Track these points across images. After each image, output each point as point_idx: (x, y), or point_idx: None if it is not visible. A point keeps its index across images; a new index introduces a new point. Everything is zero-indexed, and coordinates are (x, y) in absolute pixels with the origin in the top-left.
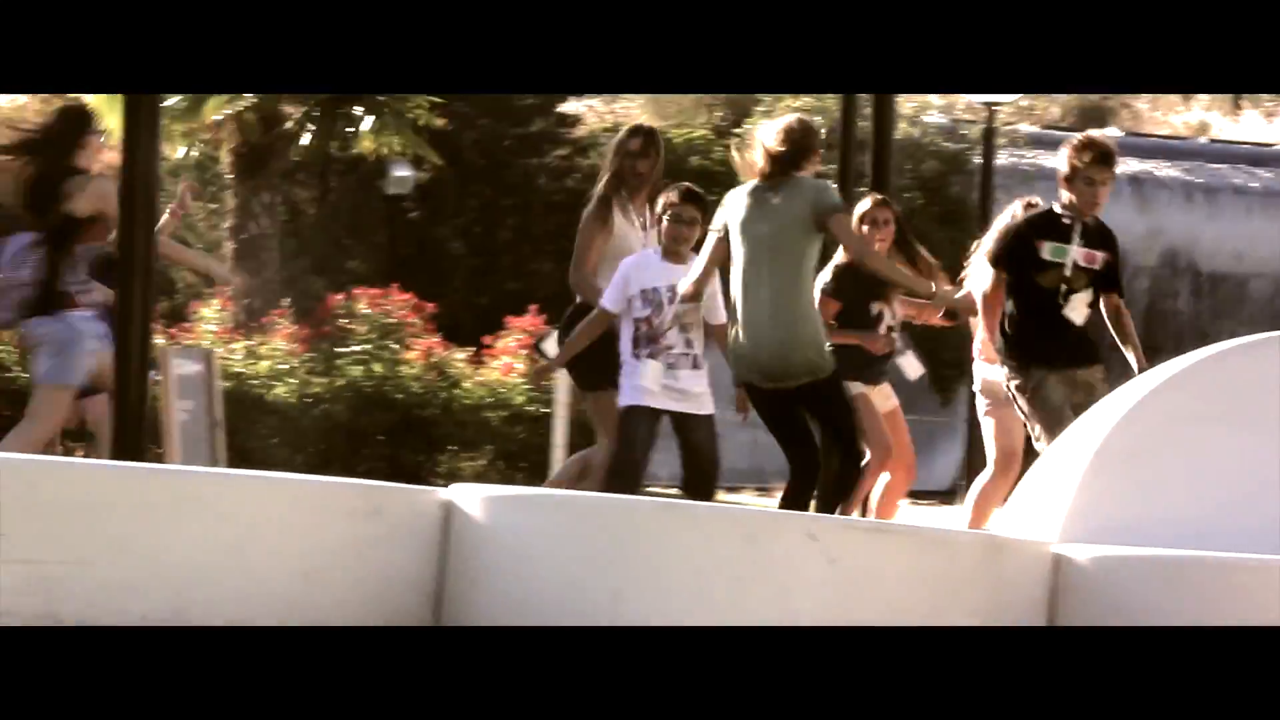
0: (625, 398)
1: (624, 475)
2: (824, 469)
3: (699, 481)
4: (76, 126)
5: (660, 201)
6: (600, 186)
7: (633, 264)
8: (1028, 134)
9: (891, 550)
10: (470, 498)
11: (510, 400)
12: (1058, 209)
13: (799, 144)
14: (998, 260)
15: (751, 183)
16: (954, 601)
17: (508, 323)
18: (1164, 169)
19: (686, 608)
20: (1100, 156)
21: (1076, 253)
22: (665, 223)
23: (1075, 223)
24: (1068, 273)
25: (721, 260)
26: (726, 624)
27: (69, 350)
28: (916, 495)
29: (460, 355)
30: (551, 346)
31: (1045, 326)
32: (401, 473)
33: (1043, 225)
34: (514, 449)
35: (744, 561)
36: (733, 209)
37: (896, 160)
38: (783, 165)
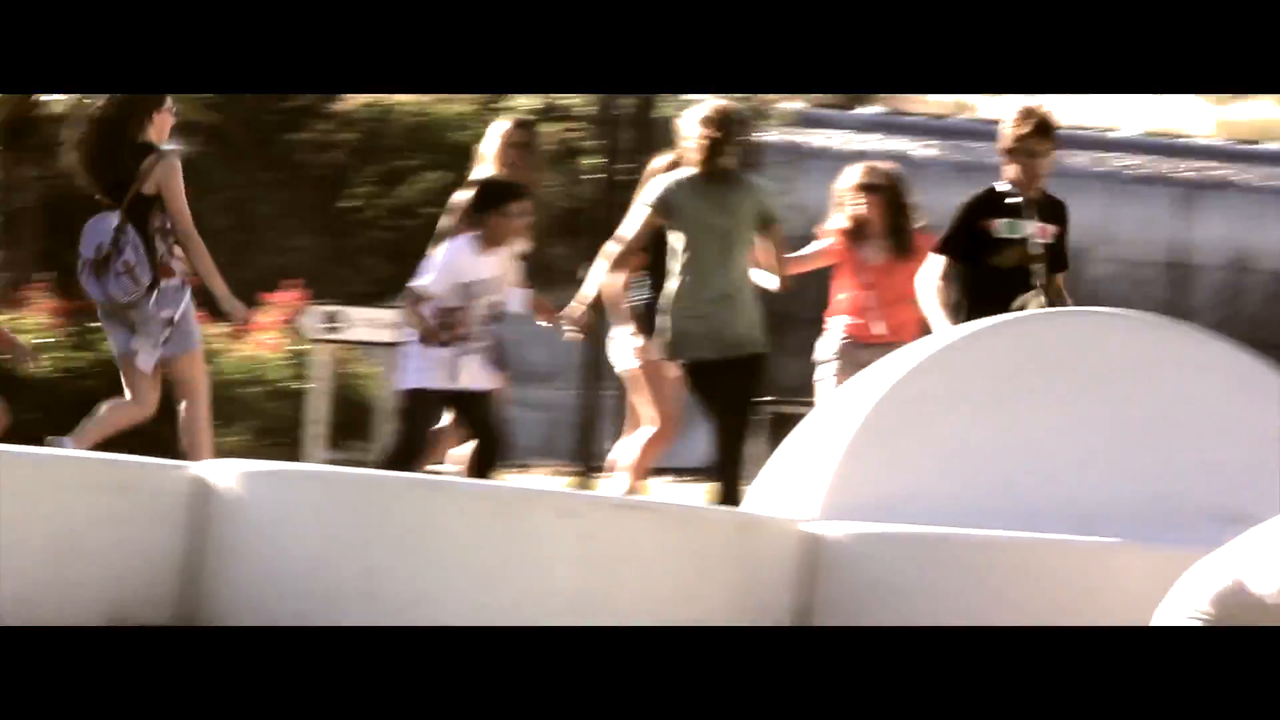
0: (409, 380)
1: (405, 459)
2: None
3: (488, 457)
4: (142, 102)
5: (478, 192)
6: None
7: (452, 254)
8: (797, 112)
9: (643, 527)
10: (225, 473)
11: (268, 376)
12: (1000, 186)
13: (732, 133)
14: (945, 247)
15: (688, 172)
16: (707, 578)
17: (267, 298)
18: (924, 147)
19: (440, 583)
20: (1040, 127)
21: (1031, 227)
22: (493, 215)
23: (1024, 197)
24: (1031, 250)
25: (649, 240)
26: (479, 600)
27: (182, 322)
28: (678, 472)
29: (218, 330)
30: (312, 323)
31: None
32: (161, 448)
33: (988, 204)
34: (272, 424)
35: (497, 538)
36: (679, 198)
37: (663, 136)
38: (721, 156)
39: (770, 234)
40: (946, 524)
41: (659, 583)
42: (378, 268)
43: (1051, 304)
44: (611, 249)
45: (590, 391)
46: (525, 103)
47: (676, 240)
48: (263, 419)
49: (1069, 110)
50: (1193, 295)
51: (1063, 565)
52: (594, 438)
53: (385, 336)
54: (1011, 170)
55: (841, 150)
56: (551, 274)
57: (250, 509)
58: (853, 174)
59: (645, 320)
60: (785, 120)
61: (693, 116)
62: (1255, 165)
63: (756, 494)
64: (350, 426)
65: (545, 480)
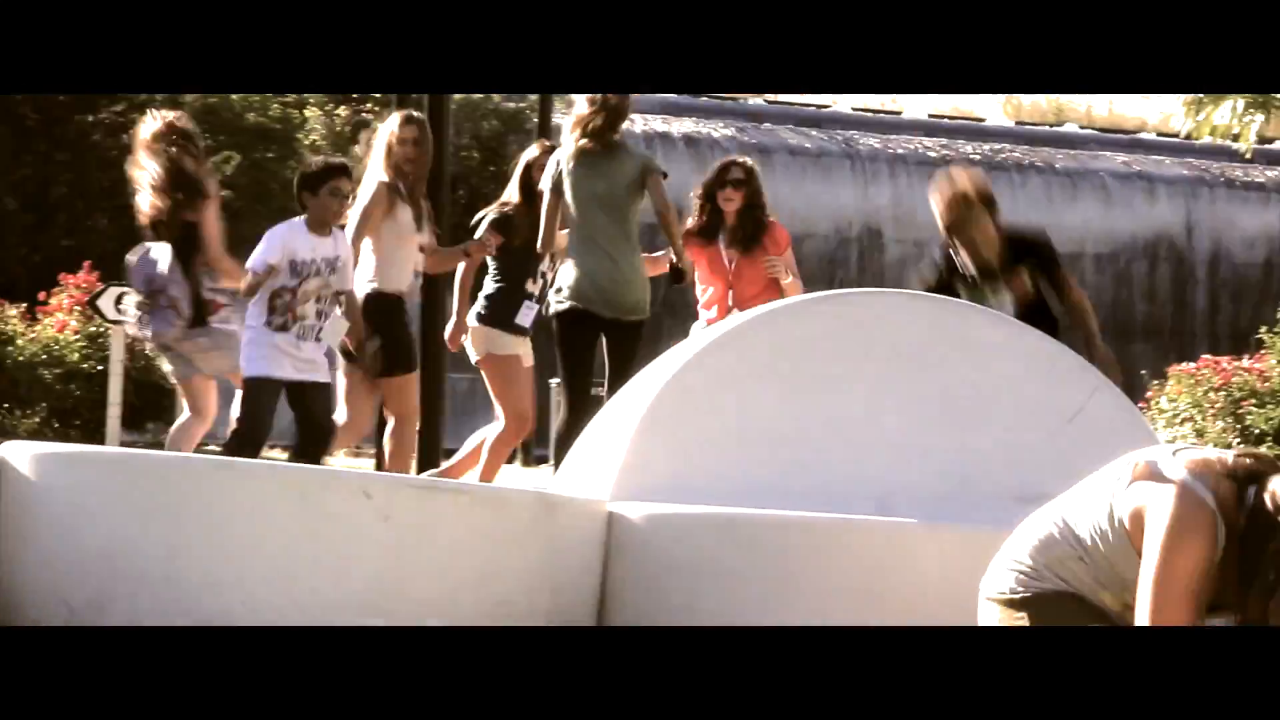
0: (252, 368)
1: (248, 446)
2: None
3: (313, 448)
4: (185, 136)
5: (307, 173)
6: (382, 174)
7: (284, 232)
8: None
9: (444, 508)
10: (21, 455)
11: (65, 358)
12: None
13: (615, 110)
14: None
15: (575, 147)
16: (508, 559)
17: (62, 280)
18: (719, 129)
19: (240, 566)
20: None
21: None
22: (320, 195)
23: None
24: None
25: (558, 216)
26: (280, 583)
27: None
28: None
29: (13, 312)
30: (107, 304)
31: None
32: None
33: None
34: (69, 407)
35: (298, 519)
36: (566, 171)
37: (455, 119)
38: (607, 132)
39: (653, 186)
40: (743, 504)
41: (460, 564)
42: None
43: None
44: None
45: None
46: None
47: (572, 210)
48: (60, 401)
49: (862, 95)
50: None
51: (860, 545)
52: None
53: None
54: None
55: (643, 131)
56: None
57: (45, 492)
58: (713, 169)
59: (500, 310)
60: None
61: (579, 101)
62: (1048, 148)
63: (563, 475)
64: (148, 409)
65: (347, 462)
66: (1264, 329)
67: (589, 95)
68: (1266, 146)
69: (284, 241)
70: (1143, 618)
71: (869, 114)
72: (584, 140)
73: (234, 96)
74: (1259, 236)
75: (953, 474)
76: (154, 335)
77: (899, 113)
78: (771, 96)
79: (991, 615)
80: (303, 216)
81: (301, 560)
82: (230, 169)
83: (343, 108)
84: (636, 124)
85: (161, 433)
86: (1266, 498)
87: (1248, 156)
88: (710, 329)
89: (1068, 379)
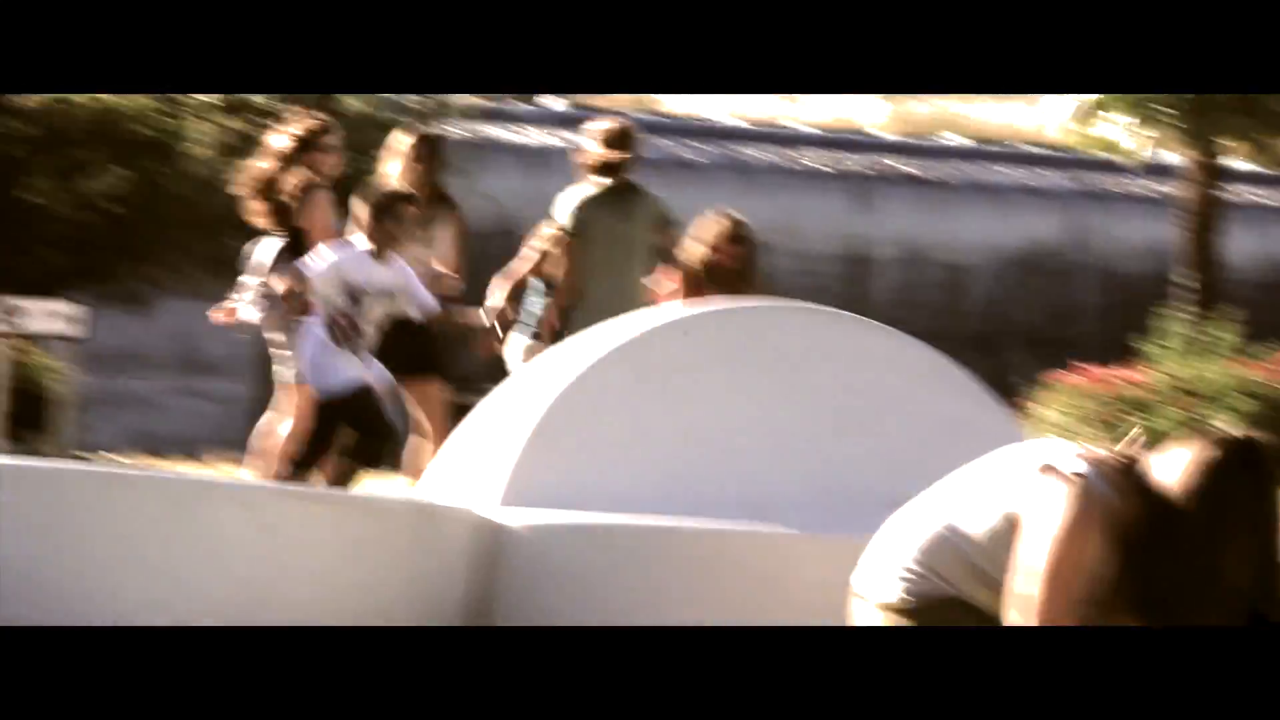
0: (348, 385)
1: (389, 444)
2: None
3: (378, 449)
4: (309, 137)
5: (375, 202)
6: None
7: (342, 256)
8: (482, 107)
9: (323, 517)
10: None
11: None
12: None
13: (633, 149)
14: None
15: (591, 186)
16: (388, 569)
17: None
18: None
19: (117, 575)
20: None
21: None
22: (384, 221)
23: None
24: None
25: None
26: (157, 591)
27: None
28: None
29: None
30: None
31: None
32: None
33: None
34: None
35: (177, 528)
36: (586, 210)
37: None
38: (622, 170)
39: (667, 237)
40: (627, 514)
41: (338, 573)
42: (56, 260)
43: None
44: (511, 265)
45: (267, 383)
46: (209, 100)
47: (591, 249)
48: None
49: (750, 104)
50: (870, 287)
51: (741, 555)
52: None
53: (63, 328)
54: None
55: (526, 144)
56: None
57: None
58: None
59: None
60: (466, 114)
61: (593, 133)
62: (931, 159)
63: (433, 481)
64: (27, 419)
65: (224, 471)
66: (1146, 339)
67: (606, 131)
68: (1151, 159)
69: (340, 263)
70: (1020, 605)
71: (753, 126)
72: (611, 180)
73: (119, 107)
74: (1143, 248)
75: (834, 483)
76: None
77: (787, 124)
78: (663, 110)
79: (873, 620)
80: (367, 241)
81: (179, 570)
82: (111, 181)
83: (234, 119)
84: (519, 135)
85: (40, 442)
86: (1158, 490)
87: (1133, 169)
88: (597, 338)
89: (948, 388)
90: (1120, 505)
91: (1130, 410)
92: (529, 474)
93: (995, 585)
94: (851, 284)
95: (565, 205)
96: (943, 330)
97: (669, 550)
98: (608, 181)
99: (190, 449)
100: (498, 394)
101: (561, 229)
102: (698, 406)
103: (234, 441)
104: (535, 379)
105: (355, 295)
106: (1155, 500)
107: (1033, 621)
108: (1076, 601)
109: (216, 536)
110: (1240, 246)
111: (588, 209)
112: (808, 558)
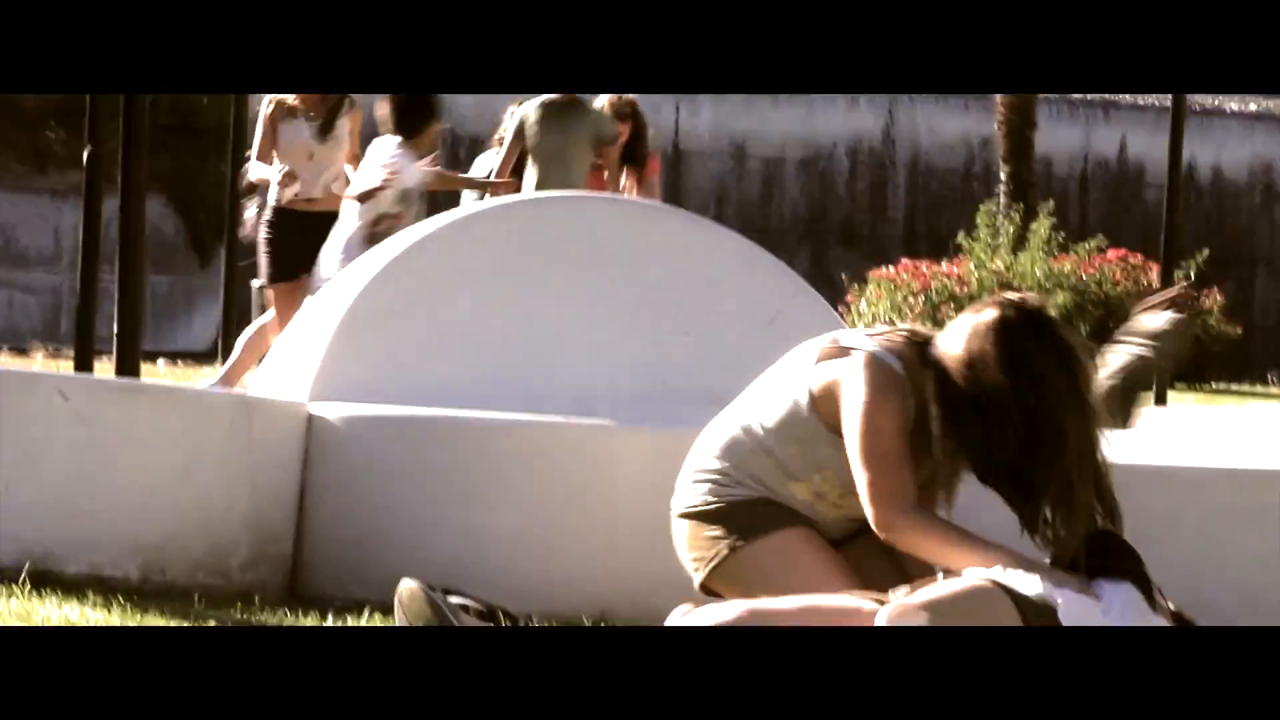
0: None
1: None
2: None
3: None
4: (337, 104)
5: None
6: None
7: (398, 159)
8: None
9: (143, 410)
10: None
11: None
12: None
13: None
14: None
15: (541, 100)
16: (207, 461)
17: None
18: None
19: None
20: None
21: None
22: (426, 133)
23: None
24: None
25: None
26: None
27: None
28: (177, 356)
29: None
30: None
31: None
32: None
33: None
34: None
35: None
36: (530, 120)
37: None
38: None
39: (603, 153)
40: (443, 407)
41: (158, 465)
42: None
43: None
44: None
45: (89, 275)
46: None
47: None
48: None
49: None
50: (690, 181)
51: (557, 447)
52: (93, 321)
53: None
54: None
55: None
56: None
57: None
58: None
59: None
60: None
61: None
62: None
63: (262, 376)
64: None
65: (45, 363)
66: (962, 234)
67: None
68: None
69: (401, 170)
70: (861, 484)
71: None
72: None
73: None
74: (958, 142)
75: (652, 376)
76: None
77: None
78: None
79: (683, 532)
80: (404, 146)
81: None
82: None
83: None
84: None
85: None
86: (940, 355)
87: None
88: (415, 230)
89: (767, 282)
90: (905, 373)
91: (945, 302)
92: (338, 367)
93: (798, 476)
94: (671, 176)
95: (509, 118)
96: (762, 224)
97: (483, 442)
98: (555, 96)
99: (13, 341)
100: (327, 288)
101: (499, 139)
102: (511, 298)
103: (55, 334)
104: (356, 272)
105: (408, 198)
106: (938, 366)
107: (869, 485)
108: (897, 458)
109: (34, 428)
110: (1059, 142)
111: (527, 121)
112: (622, 450)
